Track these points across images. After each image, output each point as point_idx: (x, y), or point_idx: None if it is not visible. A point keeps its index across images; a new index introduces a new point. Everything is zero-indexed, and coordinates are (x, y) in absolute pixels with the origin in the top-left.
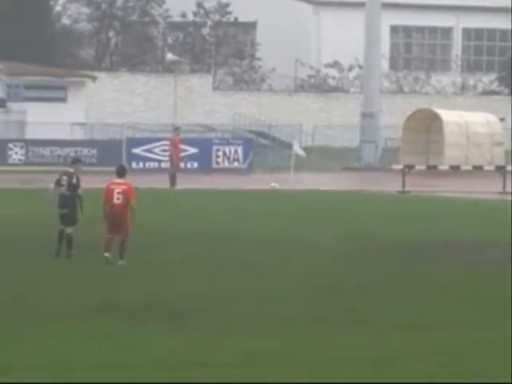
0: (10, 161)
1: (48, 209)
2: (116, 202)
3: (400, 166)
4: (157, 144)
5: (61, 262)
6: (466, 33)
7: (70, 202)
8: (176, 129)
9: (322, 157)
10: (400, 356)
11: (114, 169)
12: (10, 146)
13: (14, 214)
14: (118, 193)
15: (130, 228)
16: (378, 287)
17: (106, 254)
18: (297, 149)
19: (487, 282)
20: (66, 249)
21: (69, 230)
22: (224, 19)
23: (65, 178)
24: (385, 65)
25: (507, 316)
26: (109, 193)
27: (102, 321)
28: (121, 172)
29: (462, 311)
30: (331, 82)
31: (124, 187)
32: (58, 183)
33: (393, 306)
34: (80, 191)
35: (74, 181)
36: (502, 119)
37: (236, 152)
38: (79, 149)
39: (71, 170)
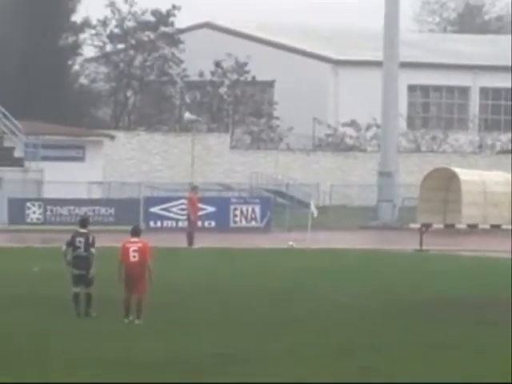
0: (28, 220)
1: (68, 266)
2: (132, 260)
3: (417, 225)
4: (174, 203)
5: (79, 320)
6: (484, 92)
7: (88, 262)
8: (194, 187)
9: (339, 216)
10: None
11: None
12: (28, 205)
13: (34, 272)
14: (134, 251)
15: (147, 286)
16: (397, 347)
17: (126, 321)
18: (312, 208)
19: (506, 341)
20: (85, 308)
21: (88, 290)
22: (242, 78)
23: (80, 239)
24: (402, 124)
25: None
26: (124, 251)
27: (119, 376)
28: (136, 232)
29: (490, 370)
30: (349, 140)
31: (140, 245)
32: (72, 245)
33: (411, 366)
34: (93, 250)
35: (90, 241)
36: None
37: (253, 211)
38: (97, 208)
39: (84, 231)
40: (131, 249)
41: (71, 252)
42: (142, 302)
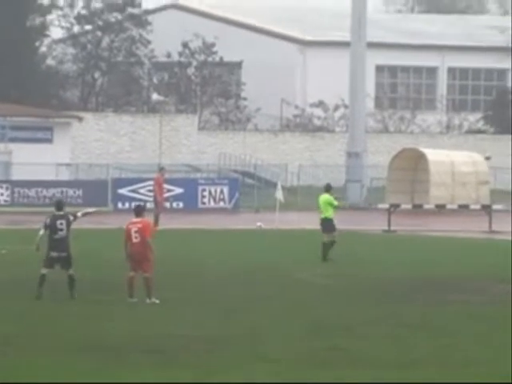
0: None
1: (37, 251)
2: (135, 240)
3: (386, 206)
4: (142, 184)
5: (48, 303)
6: (451, 72)
7: (67, 244)
8: (161, 169)
9: (307, 196)
10: None
11: (99, 209)
12: None
13: (1, 254)
14: (135, 231)
15: (152, 265)
16: (364, 326)
17: (130, 300)
18: (278, 193)
19: (481, 320)
20: (69, 289)
21: (71, 271)
22: (209, 59)
23: (62, 221)
24: (370, 104)
25: (497, 352)
26: (127, 232)
27: (88, 359)
28: (137, 211)
29: (457, 350)
30: (316, 121)
31: (140, 226)
32: (52, 227)
33: (380, 345)
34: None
35: (71, 221)
36: (487, 158)
37: (222, 192)
38: (65, 189)
39: (62, 213)
40: (133, 230)
41: (49, 235)
42: (150, 282)
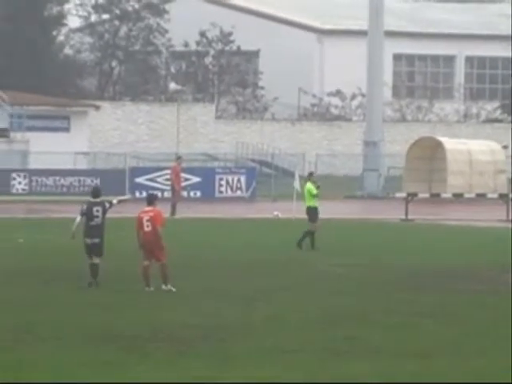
0: (14, 190)
1: (72, 239)
2: (146, 229)
3: (403, 195)
4: (160, 173)
5: (68, 291)
6: (469, 61)
7: (102, 231)
8: (178, 158)
9: (324, 185)
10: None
11: (132, 197)
12: (14, 175)
13: (19, 243)
14: (147, 220)
15: (166, 253)
16: (378, 315)
17: (147, 289)
18: (296, 183)
19: (494, 310)
20: (92, 277)
21: (97, 260)
22: (227, 48)
23: (98, 208)
24: (387, 93)
25: (504, 343)
26: (139, 221)
27: (108, 349)
28: (149, 200)
29: (471, 339)
30: (334, 110)
31: (151, 214)
32: (89, 214)
33: (399, 334)
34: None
35: (107, 208)
36: (504, 147)
37: (239, 181)
38: (82, 178)
39: (99, 200)
40: (144, 219)
41: (85, 222)
42: (165, 269)
